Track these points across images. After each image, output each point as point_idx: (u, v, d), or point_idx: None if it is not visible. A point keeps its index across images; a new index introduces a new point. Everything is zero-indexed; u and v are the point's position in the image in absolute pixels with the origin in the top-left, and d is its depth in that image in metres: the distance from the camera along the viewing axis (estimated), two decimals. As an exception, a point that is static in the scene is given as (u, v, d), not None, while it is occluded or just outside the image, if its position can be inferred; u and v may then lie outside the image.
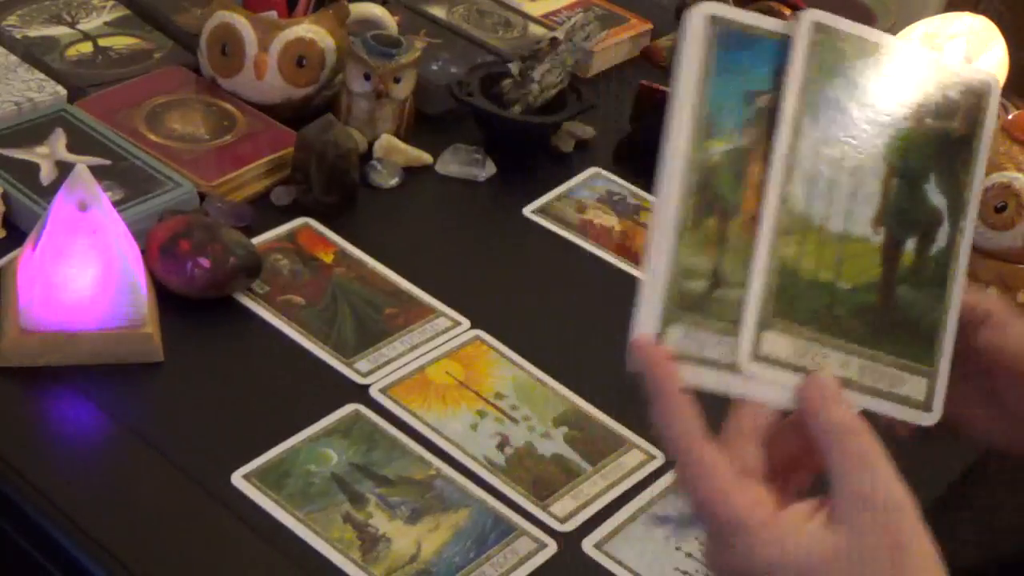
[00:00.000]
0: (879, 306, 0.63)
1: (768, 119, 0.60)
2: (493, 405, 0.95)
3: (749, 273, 0.60)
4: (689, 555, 0.87)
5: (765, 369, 0.60)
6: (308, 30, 1.16)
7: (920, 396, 0.64)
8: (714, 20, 0.60)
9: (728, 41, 0.60)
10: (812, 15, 0.61)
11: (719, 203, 0.60)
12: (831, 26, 0.61)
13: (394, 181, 1.16)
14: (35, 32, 1.22)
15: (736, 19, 0.60)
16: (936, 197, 0.64)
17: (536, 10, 1.43)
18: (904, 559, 0.57)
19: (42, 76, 1.14)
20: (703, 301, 0.60)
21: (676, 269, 0.59)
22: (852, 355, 0.62)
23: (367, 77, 1.16)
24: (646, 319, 0.59)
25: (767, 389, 0.60)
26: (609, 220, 1.17)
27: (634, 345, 0.59)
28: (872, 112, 0.62)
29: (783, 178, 0.60)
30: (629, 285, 1.10)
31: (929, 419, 0.64)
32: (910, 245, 0.63)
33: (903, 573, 0.57)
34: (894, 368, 0.63)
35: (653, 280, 0.59)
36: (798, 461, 0.62)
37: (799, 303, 0.61)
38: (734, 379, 0.60)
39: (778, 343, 0.61)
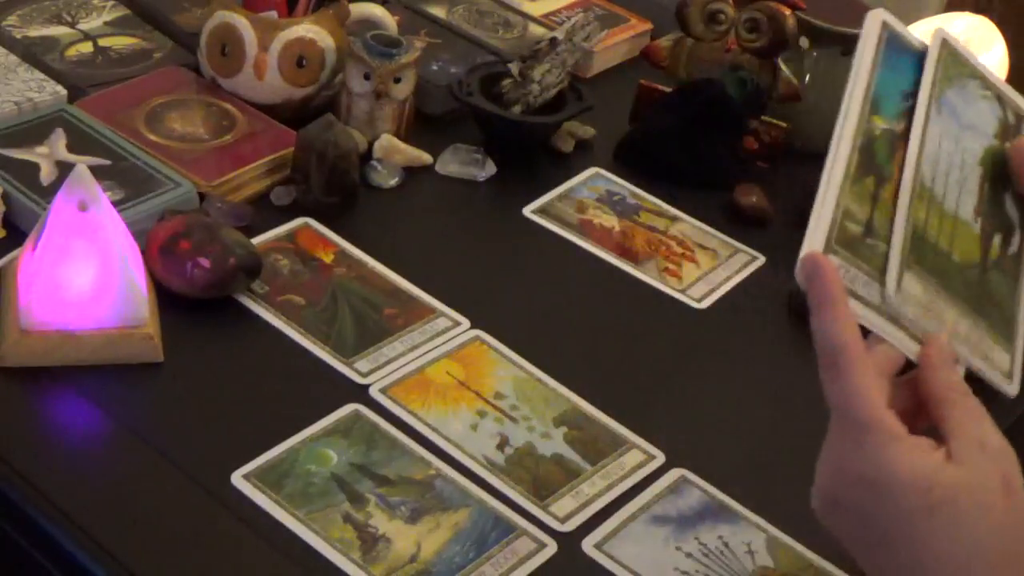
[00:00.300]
0: (978, 282, 0.72)
1: (911, 115, 0.72)
2: (493, 405, 0.95)
3: (895, 220, 0.69)
4: (689, 555, 0.87)
5: (904, 304, 0.68)
6: (308, 30, 1.16)
7: (1006, 367, 0.73)
8: (885, 25, 0.72)
9: (893, 45, 0.72)
10: (941, 33, 0.74)
11: (876, 167, 0.69)
12: (953, 46, 0.75)
13: (394, 181, 1.16)
14: (35, 32, 1.22)
15: (899, 30, 0.73)
16: (1011, 208, 0.76)
17: (536, 10, 1.44)
18: (1012, 493, 0.65)
19: (42, 76, 1.14)
20: (857, 243, 0.67)
21: (840, 208, 0.67)
22: (963, 315, 0.71)
23: (367, 77, 1.16)
24: (816, 239, 0.66)
25: (899, 336, 0.68)
26: (609, 220, 1.17)
27: (807, 257, 0.66)
28: (974, 121, 0.75)
29: (918, 152, 0.70)
30: (629, 285, 1.11)
31: (1012, 389, 0.73)
32: (996, 240, 0.74)
33: (1012, 504, 0.64)
34: (989, 338, 0.72)
35: (823, 209, 0.66)
36: (905, 415, 0.67)
37: (927, 258, 0.70)
38: (876, 317, 0.67)
39: (914, 285, 0.69)
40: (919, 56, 0.73)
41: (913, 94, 0.72)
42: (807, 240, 0.67)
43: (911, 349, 0.69)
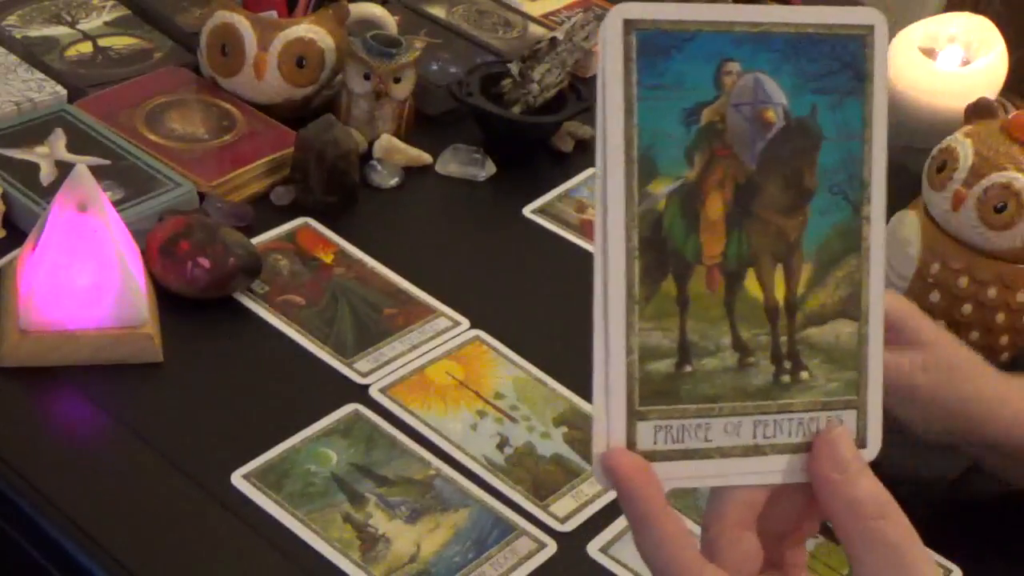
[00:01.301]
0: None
1: (717, 136, 0.51)
2: (493, 405, 0.95)
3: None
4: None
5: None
6: (308, 30, 1.16)
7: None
8: (628, 25, 0.49)
9: (652, 48, 0.50)
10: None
11: (673, 258, 0.51)
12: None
13: (394, 181, 1.16)
14: (35, 32, 1.22)
15: (659, 17, 0.49)
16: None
17: (536, 10, 1.43)
18: None
19: (42, 76, 1.14)
20: (673, 383, 0.51)
21: (633, 355, 0.51)
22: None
23: (367, 77, 1.16)
24: (609, 425, 0.50)
25: (769, 464, 0.52)
26: (609, 220, 1.17)
27: (603, 461, 0.50)
28: None
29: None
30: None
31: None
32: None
33: None
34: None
35: (608, 377, 0.51)
36: (799, 524, 0.54)
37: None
38: (724, 464, 0.52)
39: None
40: (717, 38, 0.51)
41: (705, 104, 0.51)
42: (596, 427, 0.51)
43: (793, 468, 0.52)
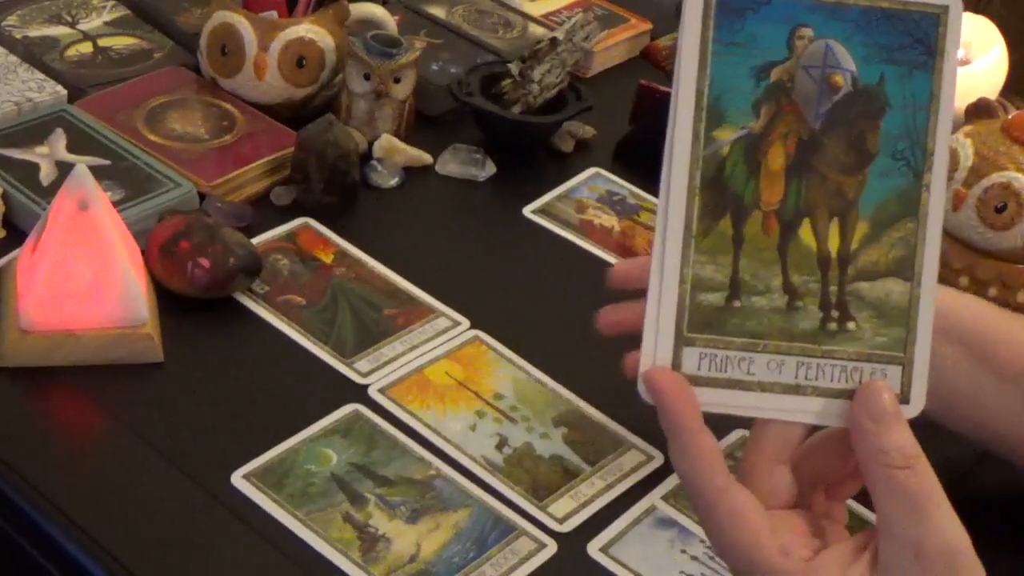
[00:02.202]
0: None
1: (784, 93, 0.55)
2: (492, 405, 0.95)
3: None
4: (694, 558, 0.87)
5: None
6: (308, 30, 1.16)
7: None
8: None
9: (730, 9, 0.54)
10: None
11: (731, 199, 0.54)
12: None
13: (394, 181, 1.16)
14: (35, 32, 1.22)
15: None
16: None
17: (536, 10, 1.43)
18: None
19: (42, 76, 1.14)
20: (722, 316, 0.54)
21: (686, 284, 0.54)
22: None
23: (367, 77, 1.16)
24: (656, 346, 0.54)
25: (808, 404, 0.55)
26: (609, 220, 1.17)
27: (645, 377, 0.53)
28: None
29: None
30: (629, 285, 1.11)
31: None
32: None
33: None
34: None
35: (661, 302, 0.54)
36: (839, 474, 0.56)
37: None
38: (764, 398, 0.55)
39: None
40: (776, 5, 0.54)
41: (775, 64, 0.54)
42: (645, 347, 0.54)
43: (830, 412, 0.55)
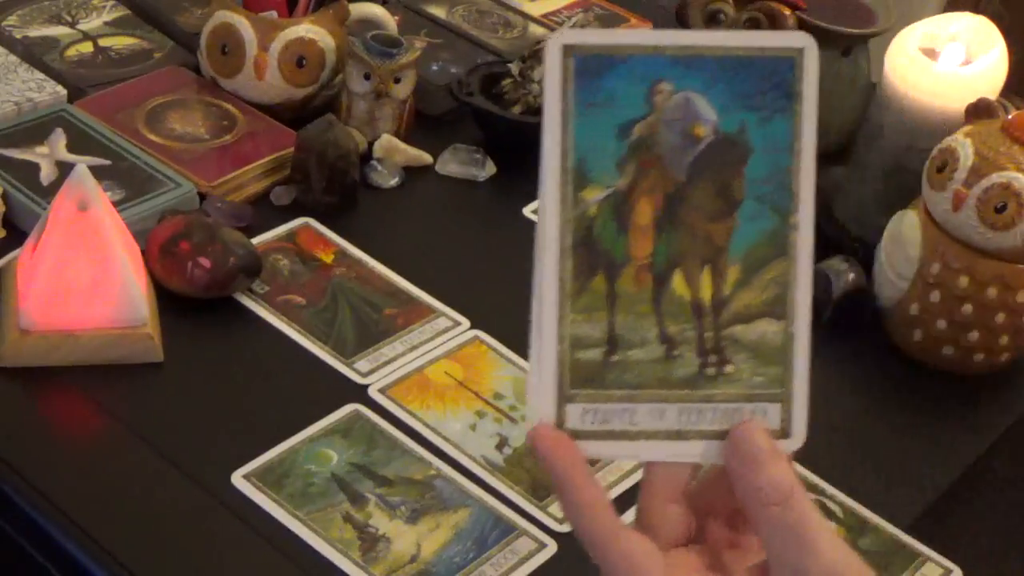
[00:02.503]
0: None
1: (648, 148, 0.55)
2: (492, 405, 0.95)
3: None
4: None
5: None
6: (308, 30, 1.16)
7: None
8: (567, 50, 0.55)
9: (588, 70, 0.55)
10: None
11: (602, 256, 0.55)
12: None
13: (394, 181, 1.16)
14: (35, 32, 1.22)
15: (595, 42, 0.55)
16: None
17: (536, 10, 1.43)
18: None
19: (42, 76, 1.14)
20: (602, 370, 0.55)
21: (565, 342, 0.55)
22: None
23: (367, 77, 1.16)
24: (540, 405, 0.55)
25: (690, 447, 0.56)
26: (609, 220, 1.17)
27: (530, 436, 0.55)
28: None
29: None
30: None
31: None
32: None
33: None
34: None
35: (541, 361, 0.54)
36: (734, 504, 0.56)
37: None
38: (645, 445, 0.56)
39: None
40: (648, 60, 0.55)
41: (637, 120, 0.55)
42: (530, 405, 0.55)
43: (711, 452, 0.56)
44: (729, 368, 0.56)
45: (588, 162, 0.56)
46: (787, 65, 0.56)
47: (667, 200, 0.56)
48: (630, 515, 0.56)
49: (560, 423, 0.55)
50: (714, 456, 0.56)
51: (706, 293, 0.56)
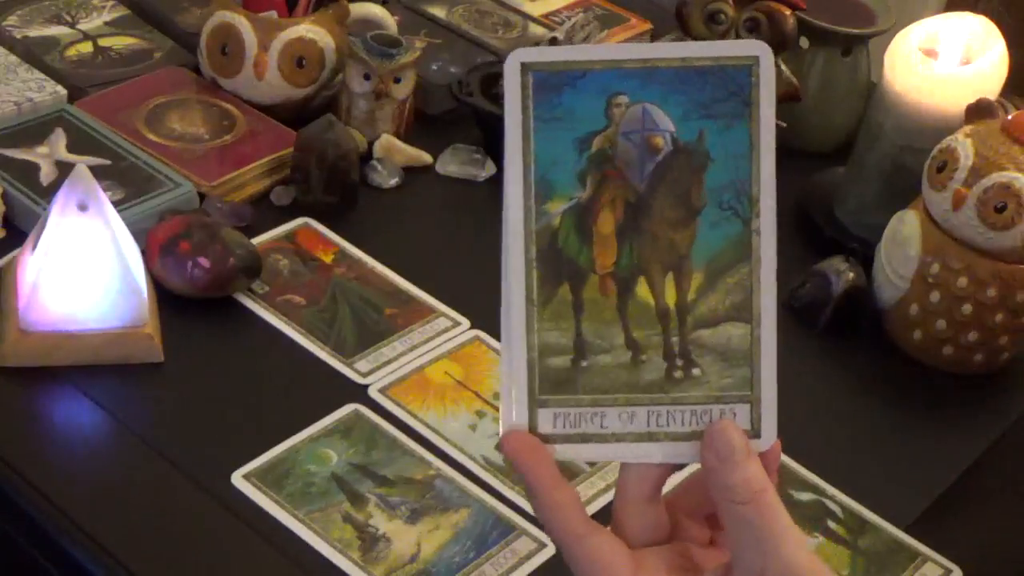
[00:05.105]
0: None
1: (607, 160, 0.56)
2: (492, 405, 0.95)
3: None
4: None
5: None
6: (308, 30, 1.16)
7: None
8: (526, 68, 0.56)
9: (547, 87, 0.56)
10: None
11: (567, 266, 0.57)
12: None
13: (394, 181, 1.16)
14: (35, 32, 1.22)
15: (552, 59, 0.56)
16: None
17: (536, 10, 1.43)
18: None
19: (42, 76, 1.14)
20: (570, 377, 0.57)
21: (534, 351, 0.56)
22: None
23: (367, 77, 1.16)
24: (512, 411, 0.56)
25: (661, 449, 0.57)
26: (609, 220, 1.17)
27: (502, 440, 0.56)
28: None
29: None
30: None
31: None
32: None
33: None
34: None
35: (511, 369, 0.56)
36: (711, 505, 0.57)
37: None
38: (616, 447, 0.57)
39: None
40: (605, 74, 0.56)
41: (596, 133, 0.56)
42: (503, 411, 0.57)
43: (683, 453, 0.57)
44: (696, 371, 0.57)
45: (550, 175, 0.56)
46: (744, 73, 0.57)
47: (629, 209, 0.57)
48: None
49: (532, 427, 0.56)
50: (686, 456, 0.57)
51: (670, 298, 0.57)
